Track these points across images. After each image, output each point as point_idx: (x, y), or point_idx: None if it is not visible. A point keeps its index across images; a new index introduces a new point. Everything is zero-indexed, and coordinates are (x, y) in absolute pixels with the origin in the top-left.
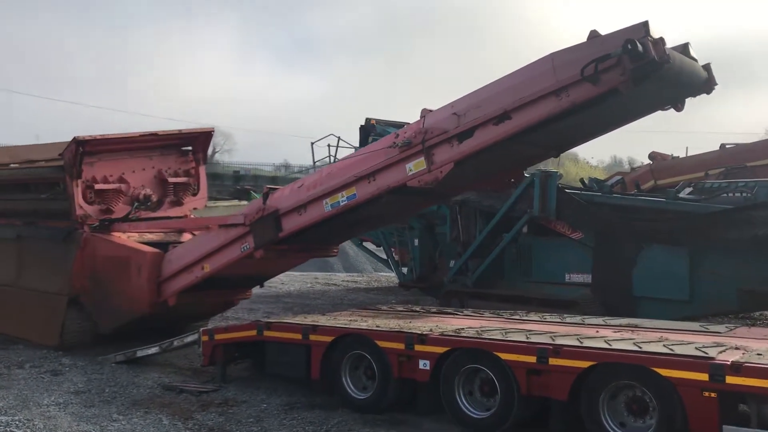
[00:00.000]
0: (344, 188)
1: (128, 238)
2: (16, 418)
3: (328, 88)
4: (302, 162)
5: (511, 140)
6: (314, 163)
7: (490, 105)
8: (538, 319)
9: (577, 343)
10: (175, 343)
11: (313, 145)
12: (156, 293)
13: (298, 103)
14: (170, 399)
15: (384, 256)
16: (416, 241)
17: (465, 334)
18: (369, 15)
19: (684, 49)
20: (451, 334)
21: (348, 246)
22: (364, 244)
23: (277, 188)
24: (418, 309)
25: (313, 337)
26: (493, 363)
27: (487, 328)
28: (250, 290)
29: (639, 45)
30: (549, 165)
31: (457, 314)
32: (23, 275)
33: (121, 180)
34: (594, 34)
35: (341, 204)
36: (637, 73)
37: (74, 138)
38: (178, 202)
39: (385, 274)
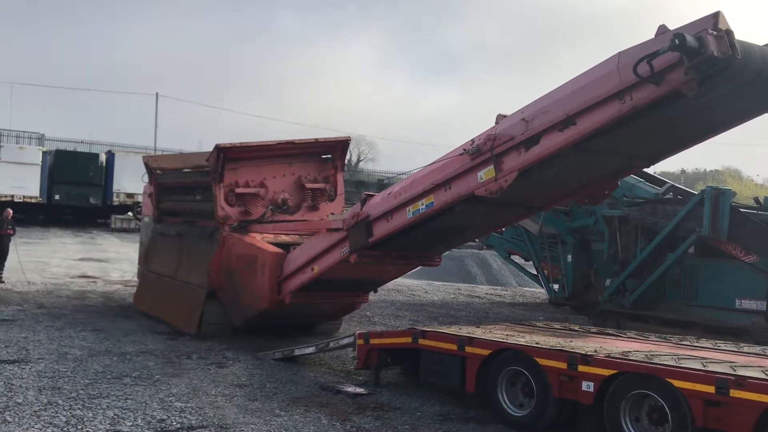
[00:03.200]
0: (423, 196)
1: (262, 239)
2: (189, 405)
3: (468, 98)
4: None
5: (578, 148)
6: None
7: (556, 109)
8: (711, 346)
9: (762, 376)
10: (331, 345)
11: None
12: (276, 291)
13: (439, 113)
14: (327, 399)
15: (533, 271)
16: (569, 257)
17: (633, 358)
18: (510, 26)
19: None
20: (618, 356)
21: (491, 258)
22: (512, 257)
23: (373, 195)
24: (576, 328)
25: (469, 349)
26: (664, 390)
27: (656, 353)
28: (366, 295)
29: (690, 39)
30: (707, 182)
31: (619, 336)
32: (180, 268)
33: (262, 185)
34: (662, 30)
35: (420, 212)
36: (696, 71)
37: (216, 145)
38: (314, 207)
39: (530, 289)
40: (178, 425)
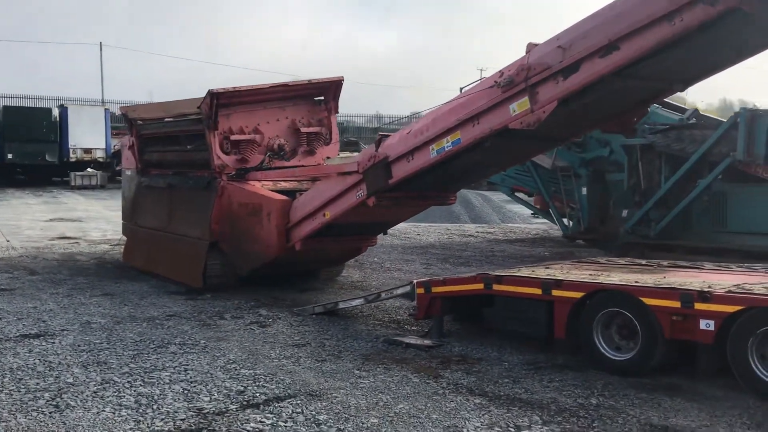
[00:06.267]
0: (448, 133)
1: (262, 186)
2: (258, 372)
3: (416, 37)
4: (394, 113)
5: (620, 74)
6: None
7: (596, 35)
8: None
9: None
10: (383, 296)
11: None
12: (284, 238)
13: (388, 54)
14: (400, 354)
15: (537, 206)
16: (584, 190)
17: (759, 292)
18: None
19: None
20: (741, 291)
21: (472, 197)
22: (516, 193)
23: (389, 135)
24: (643, 262)
25: (556, 293)
26: None
27: None
28: (374, 238)
29: None
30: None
31: (701, 268)
32: (173, 221)
33: (257, 131)
34: None
35: (446, 150)
36: None
37: (209, 91)
38: (311, 152)
39: (517, 224)
40: (264, 397)
